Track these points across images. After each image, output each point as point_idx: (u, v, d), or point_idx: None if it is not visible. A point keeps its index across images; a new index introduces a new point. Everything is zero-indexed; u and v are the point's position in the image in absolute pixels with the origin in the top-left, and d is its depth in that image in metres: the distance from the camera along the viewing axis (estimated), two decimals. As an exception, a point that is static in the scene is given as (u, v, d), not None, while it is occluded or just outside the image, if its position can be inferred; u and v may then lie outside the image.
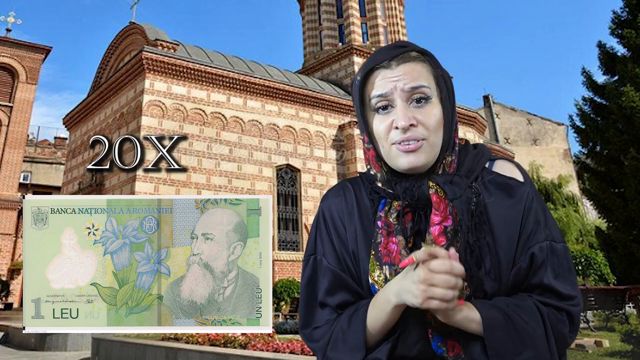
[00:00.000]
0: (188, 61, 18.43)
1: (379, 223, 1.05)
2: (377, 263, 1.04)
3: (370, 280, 1.04)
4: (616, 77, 15.68)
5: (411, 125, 1.00)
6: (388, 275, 1.01)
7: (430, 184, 1.02)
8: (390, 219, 1.04)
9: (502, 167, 1.11)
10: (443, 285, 0.89)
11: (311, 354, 5.66)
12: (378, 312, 0.99)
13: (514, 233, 1.02)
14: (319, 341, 1.06)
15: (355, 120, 16.46)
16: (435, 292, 0.89)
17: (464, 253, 0.98)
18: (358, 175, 1.19)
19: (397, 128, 1.00)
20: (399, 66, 1.02)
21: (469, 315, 0.94)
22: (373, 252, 1.04)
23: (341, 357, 1.01)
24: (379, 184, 1.09)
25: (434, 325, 0.98)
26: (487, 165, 1.11)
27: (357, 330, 1.00)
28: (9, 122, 28.78)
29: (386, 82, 1.02)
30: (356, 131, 21.30)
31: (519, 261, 1.01)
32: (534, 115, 39.40)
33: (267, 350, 5.95)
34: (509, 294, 1.00)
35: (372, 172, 1.11)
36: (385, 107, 1.03)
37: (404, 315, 1.00)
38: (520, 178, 1.08)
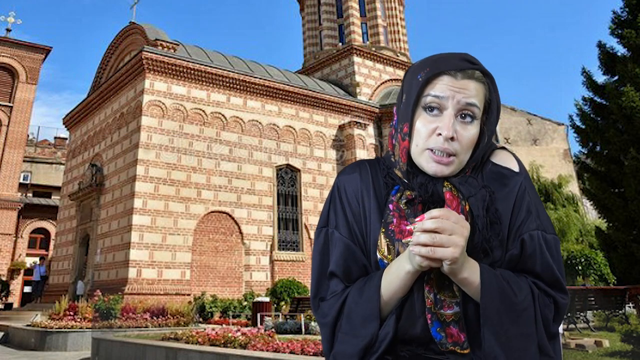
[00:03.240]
0: (188, 61, 18.43)
1: (391, 206, 1.10)
2: (388, 240, 1.09)
3: (379, 255, 1.09)
4: (616, 77, 15.68)
5: (452, 138, 1.04)
6: (400, 251, 1.05)
7: (445, 183, 1.07)
8: (401, 205, 1.09)
9: (499, 157, 1.15)
10: (446, 230, 0.93)
11: (311, 353, 5.65)
12: (392, 278, 1.03)
13: (507, 222, 1.06)
14: (327, 316, 1.09)
15: (355, 120, 16.40)
16: (438, 239, 0.93)
17: (480, 249, 1.03)
18: (376, 157, 1.23)
19: (439, 135, 1.05)
20: (463, 80, 1.06)
21: (470, 278, 0.98)
22: (383, 230, 1.09)
23: (356, 329, 1.04)
24: (397, 172, 1.13)
25: (433, 312, 1.03)
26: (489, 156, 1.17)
27: (372, 299, 1.04)
28: (9, 122, 28.78)
29: (446, 87, 1.06)
30: (356, 131, 21.29)
31: (511, 248, 1.05)
32: (534, 115, 39.36)
33: (267, 350, 5.94)
34: None
35: (392, 160, 1.15)
36: (432, 110, 1.07)
37: (408, 301, 1.04)
38: (516, 168, 1.12)
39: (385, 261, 1.08)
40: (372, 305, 1.03)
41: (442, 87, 1.06)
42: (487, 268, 1.00)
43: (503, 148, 1.18)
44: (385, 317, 1.05)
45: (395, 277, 1.02)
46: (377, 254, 1.09)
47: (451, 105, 1.05)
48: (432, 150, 1.05)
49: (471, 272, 0.98)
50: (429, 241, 0.93)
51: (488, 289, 0.97)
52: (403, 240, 1.01)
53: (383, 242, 1.09)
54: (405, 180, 1.11)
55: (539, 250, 1.04)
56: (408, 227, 1.00)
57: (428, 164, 1.06)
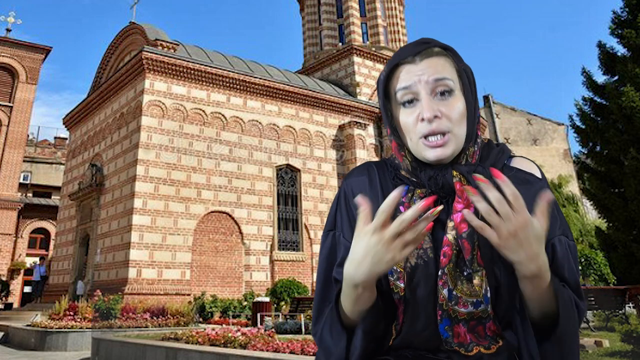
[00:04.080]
0: (188, 61, 18.43)
1: (402, 208, 1.07)
2: None
3: None
4: (616, 77, 15.69)
5: (435, 117, 1.03)
6: (409, 258, 1.03)
7: (454, 173, 1.05)
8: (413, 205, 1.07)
9: (520, 164, 1.15)
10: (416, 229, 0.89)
11: (311, 353, 5.65)
12: (345, 296, 0.99)
13: None
14: (319, 323, 1.08)
15: (355, 120, 16.52)
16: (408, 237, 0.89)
17: (485, 240, 1.00)
18: (382, 159, 1.22)
19: (423, 120, 1.03)
20: (422, 61, 1.06)
21: (543, 274, 0.93)
22: None
23: (328, 341, 1.03)
24: (403, 173, 1.12)
25: (444, 308, 1.01)
26: (506, 162, 1.15)
27: (336, 314, 1.02)
28: (9, 122, 28.79)
29: (411, 75, 1.05)
30: (356, 131, 21.30)
31: None
32: (534, 115, 39.38)
33: (267, 350, 5.94)
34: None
35: (396, 162, 1.15)
36: (410, 101, 1.06)
37: (414, 299, 1.02)
38: (538, 175, 1.12)
39: (396, 267, 1.04)
40: (337, 320, 1.01)
41: (405, 77, 1.06)
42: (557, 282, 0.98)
43: (521, 156, 1.18)
44: (355, 325, 1.01)
45: (346, 294, 0.99)
46: None
47: (422, 88, 1.04)
48: (425, 137, 1.04)
49: (543, 266, 0.93)
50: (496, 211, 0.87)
51: (563, 298, 0.95)
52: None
53: None
54: (414, 179, 1.09)
55: (566, 255, 1.03)
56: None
57: (426, 153, 1.04)
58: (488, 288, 1.00)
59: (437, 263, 1.01)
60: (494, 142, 1.19)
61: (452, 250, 1.00)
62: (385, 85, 1.10)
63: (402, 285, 1.03)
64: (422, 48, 1.07)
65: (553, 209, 1.06)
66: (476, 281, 1.00)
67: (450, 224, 1.02)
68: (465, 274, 1.00)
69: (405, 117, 1.06)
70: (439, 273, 1.01)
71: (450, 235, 1.02)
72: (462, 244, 1.00)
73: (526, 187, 1.07)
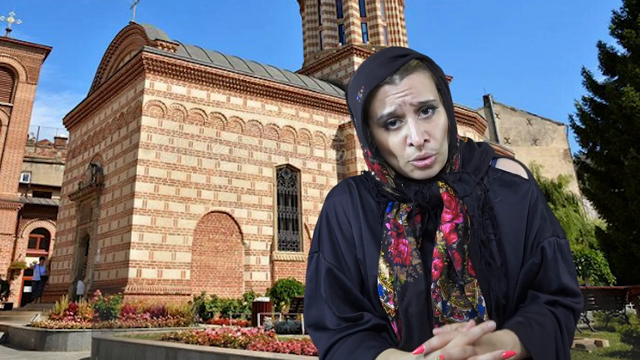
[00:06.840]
0: (188, 61, 18.43)
1: (388, 225, 1.05)
2: (388, 264, 1.03)
3: (379, 281, 1.03)
4: (616, 77, 15.69)
5: (425, 140, 0.99)
6: (399, 276, 1.01)
7: (440, 183, 1.02)
8: (400, 221, 1.04)
9: (506, 165, 1.12)
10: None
11: (311, 353, 5.66)
12: None
13: (521, 229, 1.03)
14: (317, 346, 1.05)
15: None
16: None
17: (477, 249, 0.99)
18: (362, 173, 1.18)
19: (411, 145, 0.99)
20: (403, 80, 1.00)
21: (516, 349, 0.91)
22: (383, 253, 1.04)
23: None
24: (387, 189, 1.08)
25: (440, 322, 0.99)
26: (490, 163, 1.12)
27: None
28: (9, 122, 28.80)
29: (393, 98, 1.00)
30: (356, 131, 21.29)
31: (530, 257, 1.02)
32: (534, 115, 39.41)
33: (267, 350, 5.95)
34: (519, 291, 1.01)
35: (377, 179, 1.10)
36: (394, 122, 1.01)
37: (407, 318, 0.99)
38: (525, 175, 1.10)
39: (384, 287, 1.02)
40: None
41: (388, 101, 1.00)
42: (522, 328, 0.95)
43: (507, 156, 1.15)
44: None
45: None
46: (378, 279, 1.04)
47: (406, 111, 1.00)
48: (412, 160, 1.01)
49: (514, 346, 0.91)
50: None
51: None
52: None
53: (383, 266, 1.04)
54: (398, 194, 1.06)
55: (555, 257, 1.02)
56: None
57: (413, 173, 1.01)
58: (482, 297, 0.98)
59: (427, 279, 0.99)
60: (476, 142, 1.17)
61: (443, 262, 0.98)
62: (363, 106, 1.03)
63: (392, 306, 1.01)
64: (399, 64, 1.00)
65: (542, 212, 1.05)
66: (469, 292, 0.98)
67: (440, 235, 1.00)
68: (457, 285, 0.98)
69: (391, 140, 1.02)
70: (432, 287, 0.98)
71: (440, 247, 0.99)
72: (452, 255, 0.98)
73: (512, 189, 1.06)
